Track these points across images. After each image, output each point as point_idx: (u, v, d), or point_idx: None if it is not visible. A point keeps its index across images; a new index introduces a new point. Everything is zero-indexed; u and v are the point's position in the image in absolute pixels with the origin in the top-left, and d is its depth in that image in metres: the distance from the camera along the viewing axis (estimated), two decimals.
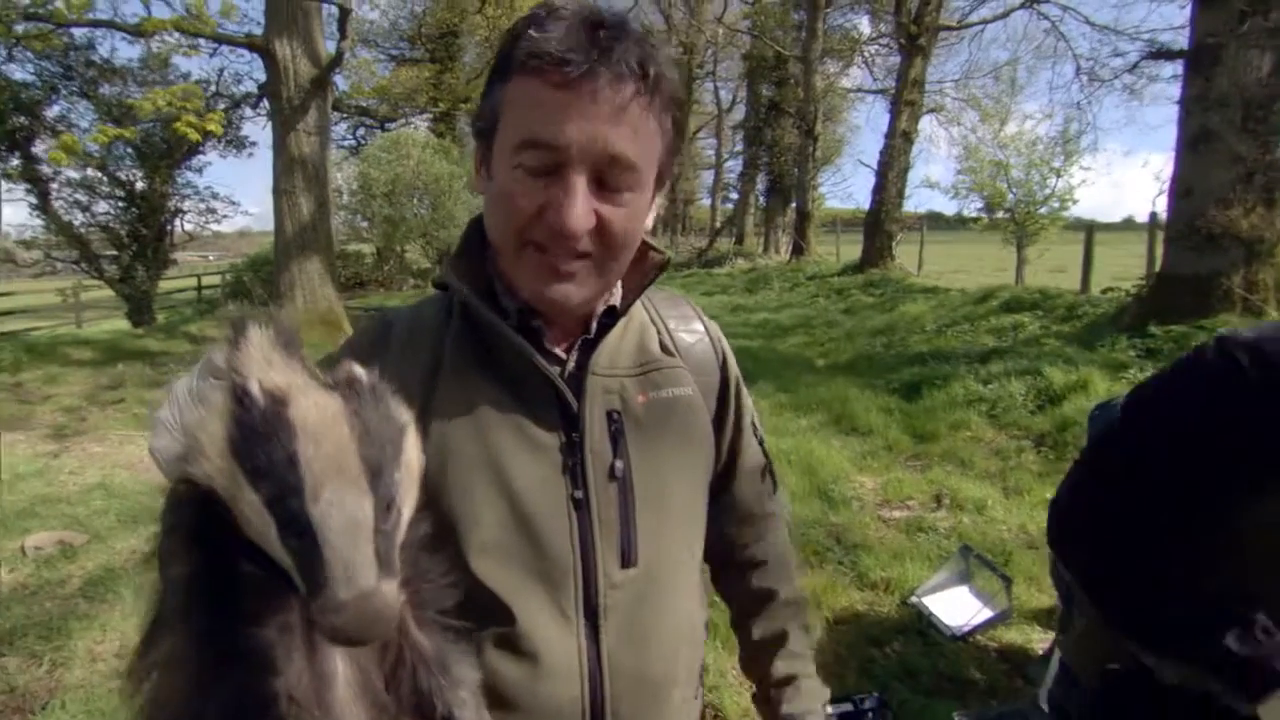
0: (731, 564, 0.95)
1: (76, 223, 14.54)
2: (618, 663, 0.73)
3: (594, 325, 0.79)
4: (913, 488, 4.16)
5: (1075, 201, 13.19)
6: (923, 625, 2.74)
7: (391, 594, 0.43)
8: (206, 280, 18.44)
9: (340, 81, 15.21)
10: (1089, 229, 9.72)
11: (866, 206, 14.34)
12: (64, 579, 3.20)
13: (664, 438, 0.78)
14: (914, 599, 2.86)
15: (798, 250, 17.64)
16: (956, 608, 2.77)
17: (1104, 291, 8.30)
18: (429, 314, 0.79)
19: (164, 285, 16.22)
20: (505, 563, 0.71)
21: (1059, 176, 12.96)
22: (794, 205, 19.36)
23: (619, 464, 0.75)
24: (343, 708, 0.52)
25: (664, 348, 0.83)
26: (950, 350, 7.00)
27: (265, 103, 10.38)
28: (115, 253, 14.75)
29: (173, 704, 0.48)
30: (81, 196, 14.50)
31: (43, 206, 13.96)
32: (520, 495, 0.71)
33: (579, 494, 0.73)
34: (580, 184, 0.66)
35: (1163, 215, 7.18)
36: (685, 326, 0.87)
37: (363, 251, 17.61)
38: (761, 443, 0.93)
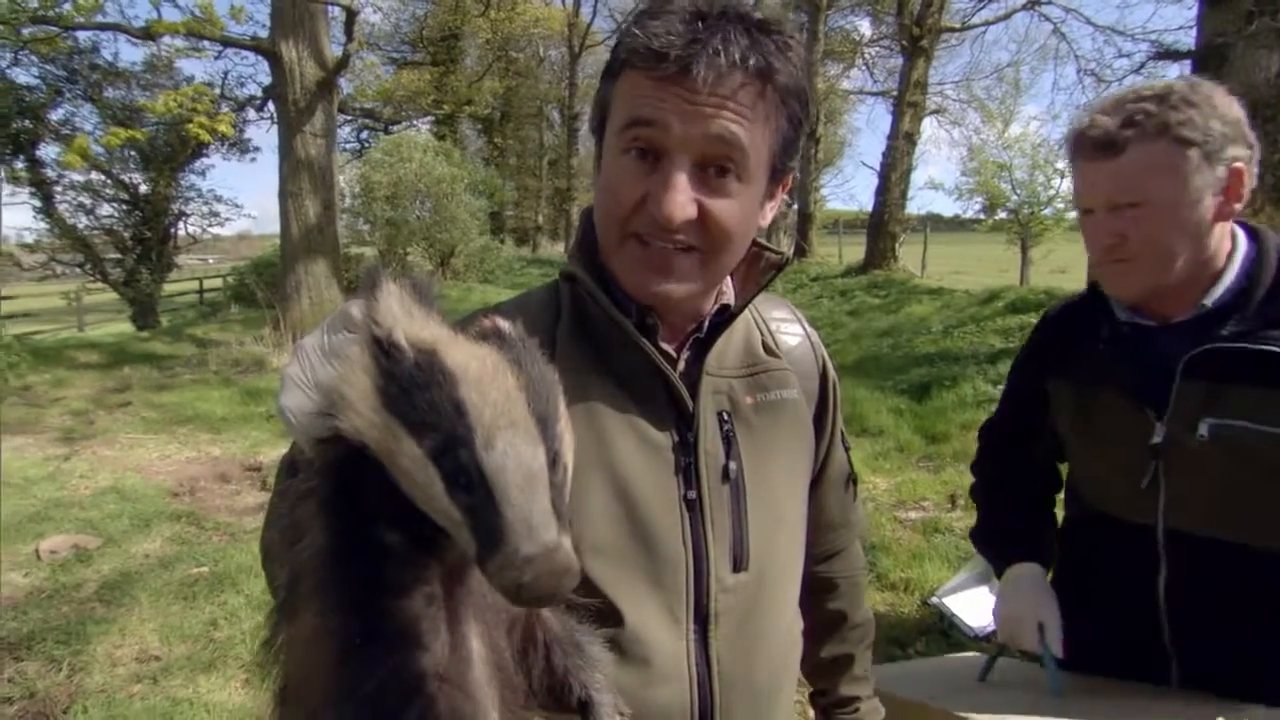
0: (808, 577, 0.91)
1: (80, 226, 14.58)
2: (727, 669, 0.72)
3: (705, 324, 0.77)
4: (927, 488, 4.15)
5: None
6: (945, 625, 2.73)
7: (572, 549, 0.40)
8: (207, 284, 18.45)
9: (344, 84, 15.19)
10: None
11: (869, 208, 14.34)
12: (80, 583, 3.19)
13: (772, 441, 0.77)
14: (935, 599, 2.85)
15: (800, 252, 17.57)
16: (978, 608, 2.76)
17: None
18: (535, 308, 0.77)
19: (166, 289, 16.24)
20: (617, 563, 0.69)
21: (1063, 178, 12.94)
22: (795, 206, 19.38)
23: (732, 465, 0.73)
24: (480, 690, 0.49)
25: (767, 349, 0.81)
26: (958, 351, 6.99)
27: (270, 105, 10.40)
28: (119, 256, 14.77)
29: (318, 679, 0.44)
30: (85, 200, 14.57)
31: (47, 210, 13.99)
32: (634, 495, 0.70)
33: (691, 495, 0.72)
34: (680, 173, 0.65)
35: None
36: (786, 328, 0.86)
37: (365, 255, 17.60)
38: (847, 450, 0.92)
